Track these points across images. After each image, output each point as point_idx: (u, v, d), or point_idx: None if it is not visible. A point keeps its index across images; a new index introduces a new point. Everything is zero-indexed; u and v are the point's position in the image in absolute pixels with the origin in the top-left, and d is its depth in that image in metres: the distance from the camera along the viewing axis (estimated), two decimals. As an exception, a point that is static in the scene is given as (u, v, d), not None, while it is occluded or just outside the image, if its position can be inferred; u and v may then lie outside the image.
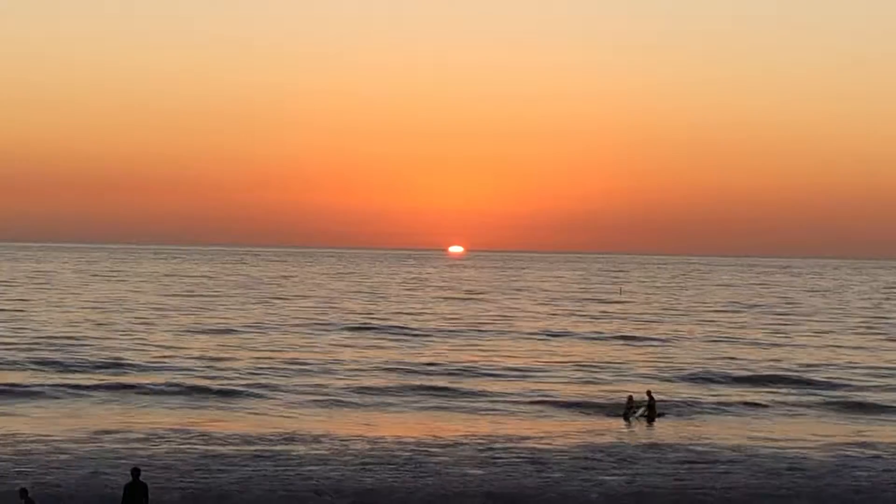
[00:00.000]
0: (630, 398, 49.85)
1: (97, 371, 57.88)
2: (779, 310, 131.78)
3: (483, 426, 44.37)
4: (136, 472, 25.96)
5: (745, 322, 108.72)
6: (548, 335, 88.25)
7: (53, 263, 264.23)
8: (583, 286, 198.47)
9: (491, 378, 59.70)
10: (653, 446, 40.81)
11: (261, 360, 63.94)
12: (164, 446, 38.05)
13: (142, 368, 59.42)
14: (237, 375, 57.52)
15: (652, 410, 48.58)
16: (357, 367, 62.30)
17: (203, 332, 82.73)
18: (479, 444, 40.10)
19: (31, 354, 64.06)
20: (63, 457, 35.96)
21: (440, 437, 41.20)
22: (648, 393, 50.11)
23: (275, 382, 54.99)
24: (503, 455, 38.06)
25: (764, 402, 53.20)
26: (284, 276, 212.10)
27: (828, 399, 54.76)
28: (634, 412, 48.65)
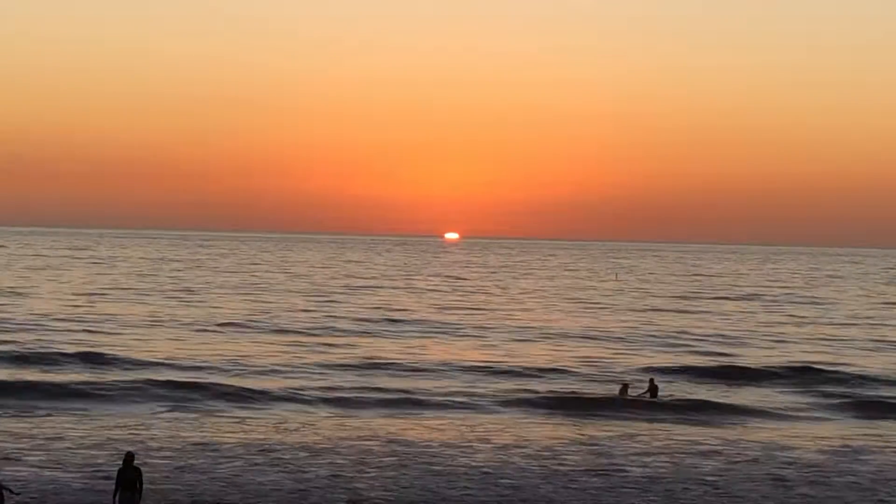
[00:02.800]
0: (624, 386, 49.30)
1: (79, 364, 55.97)
2: (783, 300, 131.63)
3: (461, 425, 42.65)
4: (129, 456, 25.35)
5: (738, 312, 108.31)
6: (535, 325, 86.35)
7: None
8: (578, 272, 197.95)
9: (469, 373, 57.23)
10: (639, 440, 39.81)
11: (220, 357, 60.67)
12: (156, 438, 37.18)
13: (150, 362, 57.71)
14: (206, 370, 55.42)
15: (653, 396, 48.22)
16: (323, 366, 58.81)
17: (187, 324, 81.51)
18: (462, 444, 38.65)
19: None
20: (51, 445, 35.45)
21: (416, 437, 39.64)
22: (651, 381, 49.69)
23: (241, 383, 51.26)
24: (487, 455, 36.94)
25: (763, 397, 52.10)
26: (256, 264, 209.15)
27: (833, 395, 53.32)
28: (637, 395, 48.19)
